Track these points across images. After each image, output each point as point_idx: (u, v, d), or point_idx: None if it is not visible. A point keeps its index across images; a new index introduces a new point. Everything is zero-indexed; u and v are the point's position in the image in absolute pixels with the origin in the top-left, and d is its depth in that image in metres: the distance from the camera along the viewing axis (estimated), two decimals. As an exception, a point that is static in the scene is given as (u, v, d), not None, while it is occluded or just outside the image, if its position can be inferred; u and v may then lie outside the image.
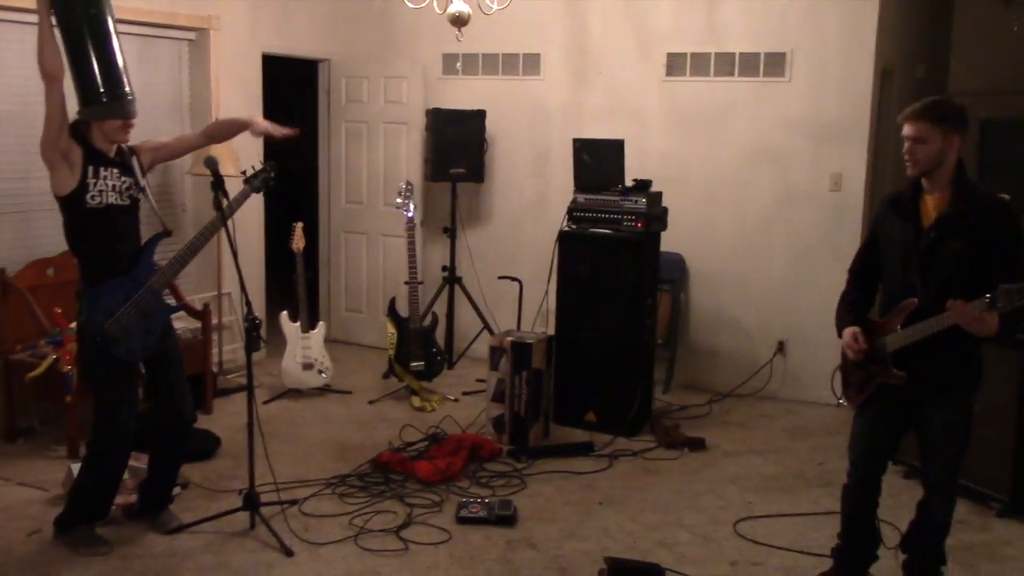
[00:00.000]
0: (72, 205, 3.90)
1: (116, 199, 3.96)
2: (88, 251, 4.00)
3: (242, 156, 5.80)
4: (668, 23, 6.59)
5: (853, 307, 3.67)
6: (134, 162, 4.06)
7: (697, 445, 5.49)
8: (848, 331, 3.58)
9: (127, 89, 3.92)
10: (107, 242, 3.98)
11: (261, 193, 4.37)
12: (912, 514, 3.71)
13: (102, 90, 3.84)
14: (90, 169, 3.89)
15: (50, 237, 5.53)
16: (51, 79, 3.77)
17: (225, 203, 4.03)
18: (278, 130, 4.36)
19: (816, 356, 6.27)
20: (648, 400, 5.91)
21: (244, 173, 4.32)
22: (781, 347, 6.53)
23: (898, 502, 4.49)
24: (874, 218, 3.73)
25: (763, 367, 6.55)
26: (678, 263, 6.63)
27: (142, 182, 4.07)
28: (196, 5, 6.26)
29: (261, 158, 4.59)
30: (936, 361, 3.40)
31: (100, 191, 3.91)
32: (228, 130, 4.40)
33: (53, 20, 3.79)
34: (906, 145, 3.38)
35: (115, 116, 3.91)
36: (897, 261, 3.49)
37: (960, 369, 3.44)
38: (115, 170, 3.97)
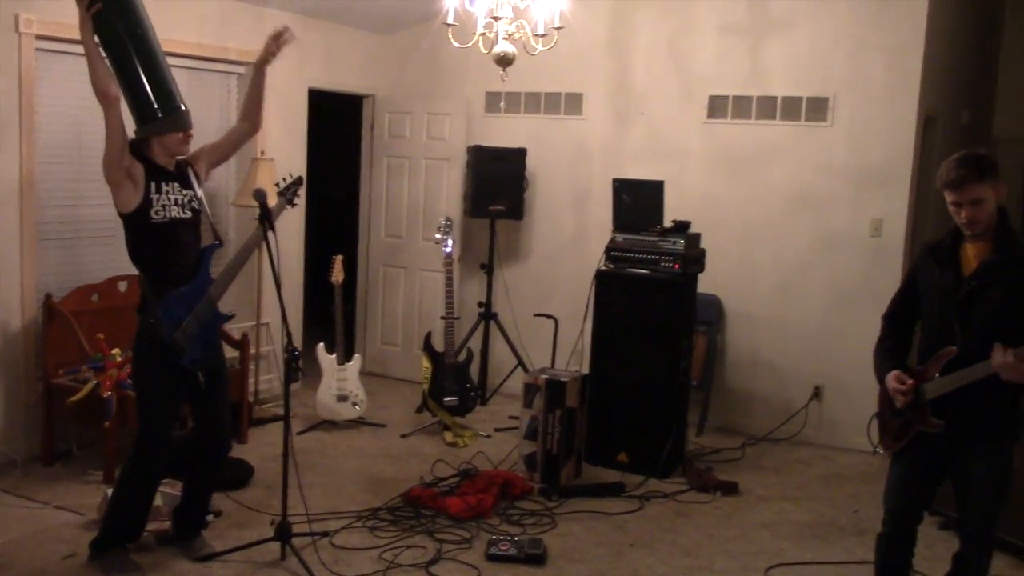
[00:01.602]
0: (137, 221, 3.97)
1: (179, 212, 4.04)
2: (153, 264, 4.06)
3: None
4: (711, 66, 6.62)
5: (891, 354, 3.64)
6: (190, 173, 4.14)
7: (730, 489, 5.44)
8: (892, 375, 3.53)
9: (179, 102, 4.01)
10: (171, 255, 4.06)
11: (294, 207, 4.45)
12: (948, 566, 3.64)
13: (156, 105, 3.93)
14: (153, 185, 3.96)
15: (96, 264, 5.65)
16: (108, 99, 3.85)
17: (265, 225, 4.13)
18: (276, 38, 4.33)
19: (853, 402, 6.20)
20: (681, 442, 5.86)
21: (278, 185, 4.41)
22: (817, 392, 6.47)
23: (934, 553, 4.43)
24: (912, 265, 3.70)
25: (799, 412, 6.48)
26: (715, 305, 6.61)
27: (199, 192, 4.15)
28: (246, 40, 6.38)
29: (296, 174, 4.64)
30: (975, 409, 3.35)
31: (163, 206, 3.99)
32: (254, 92, 4.37)
33: (99, 45, 3.87)
34: (965, 212, 3.31)
35: (173, 129, 3.98)
36: (936, 309, 3.46)
37: (1000, 418, 3.39)
38: (176, 184, 4.05)
